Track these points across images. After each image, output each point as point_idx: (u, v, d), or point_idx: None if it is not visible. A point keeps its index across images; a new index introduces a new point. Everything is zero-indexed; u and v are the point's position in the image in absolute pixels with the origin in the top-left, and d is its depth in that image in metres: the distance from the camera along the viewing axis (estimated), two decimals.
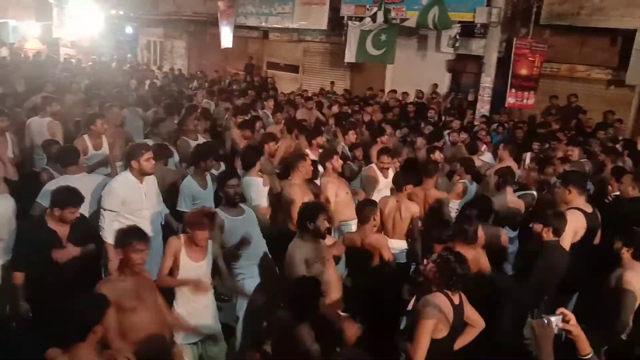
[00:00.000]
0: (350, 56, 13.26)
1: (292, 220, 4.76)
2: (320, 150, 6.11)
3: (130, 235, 3.18)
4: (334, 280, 3.90)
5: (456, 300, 3.12)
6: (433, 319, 2.96)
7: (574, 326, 2.27)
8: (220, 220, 4.16)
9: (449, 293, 3.08)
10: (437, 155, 6.39)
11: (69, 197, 3.84)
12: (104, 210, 4.40)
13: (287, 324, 3.16)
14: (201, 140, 6.57)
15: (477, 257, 3.96)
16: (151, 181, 4.73)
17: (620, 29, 11.13)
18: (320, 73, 16.25)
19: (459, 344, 3.27)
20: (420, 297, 3.20)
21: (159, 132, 6.60)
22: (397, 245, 4.91)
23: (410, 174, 5.13)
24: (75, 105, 8.73)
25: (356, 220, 5.34)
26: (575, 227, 4.10)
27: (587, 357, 2.34)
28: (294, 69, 17.20)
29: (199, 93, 11.06)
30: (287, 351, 3.13)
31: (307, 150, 6.61)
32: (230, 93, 12.21)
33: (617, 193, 5.10)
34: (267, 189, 5.23)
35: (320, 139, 6.68)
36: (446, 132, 8.57)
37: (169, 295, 3.69)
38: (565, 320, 2.25)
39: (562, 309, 2.32)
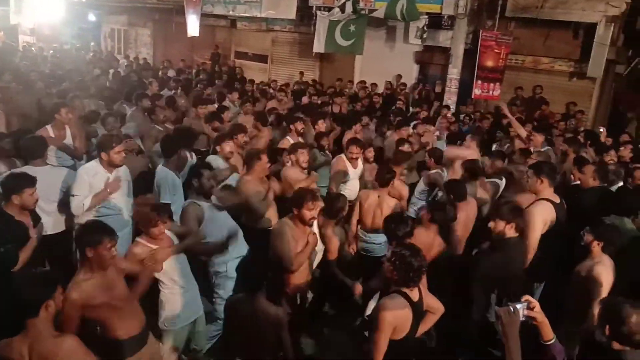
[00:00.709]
0: (319, 46, 13.21)
1: (247, 215, 4.79)
2: (292, 141, 6.11)
3: (100, 234, 3.07)
4: (306, 265, 4.08)
5: (415, 297, 3.08)
6: (390, 327, 2.93)
7: (538, 313, 2.34)
8: (199, 209, 4.14)
9: (408, 292, 3.03)
10: (406, 147, 6.45)
11: (20, 179, 3.74)
12: (74, 196, 4.33)
13: (247, 299, 3.21)
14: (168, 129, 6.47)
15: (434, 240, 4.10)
16: (121, 172, 4.64)
17: (582, 23, 11.44)
18: (289, 63, 16.14)
19: (419, 332, 3.31)
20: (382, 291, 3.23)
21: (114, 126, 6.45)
22: (377, 239, 4.94)
23: (391, 170, 5.12)
24: (33, 95, 8.42)
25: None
26: (545, 217, 4.17)
27: (550, 342, 2.41)
28: (262, 58, 17.03)
29: (154, 83, 10.81)
30: (255, 325, 3.17)
31: (288, 137, 6.62)
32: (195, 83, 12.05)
33: (577, 182, 5.24)
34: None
35: (299, 125, 6.68)
36: (413, 123, 8.66)
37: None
38: (530, 308, 2.31)
39: (527, 297, 2.38)
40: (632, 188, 5.31)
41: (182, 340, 3.84)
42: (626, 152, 6.81)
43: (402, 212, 4.85)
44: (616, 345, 2.51)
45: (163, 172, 4.92)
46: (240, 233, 4.31)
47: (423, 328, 3.38)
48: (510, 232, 3.79)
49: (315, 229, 4.61)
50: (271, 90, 11.99)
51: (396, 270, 2.98)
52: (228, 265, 4.16)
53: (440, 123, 8.67)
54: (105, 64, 15.29)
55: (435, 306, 3.38)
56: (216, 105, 8.63)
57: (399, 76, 13.55)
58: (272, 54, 16.72)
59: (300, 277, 4.08)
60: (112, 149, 4.40)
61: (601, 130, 8.22)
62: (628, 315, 2.46)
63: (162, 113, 6.60)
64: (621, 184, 5.51)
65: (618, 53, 11.67)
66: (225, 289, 4.16)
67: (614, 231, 3.46)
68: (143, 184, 5.19)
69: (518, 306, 2.26)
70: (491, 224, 3.86)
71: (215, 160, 5.44)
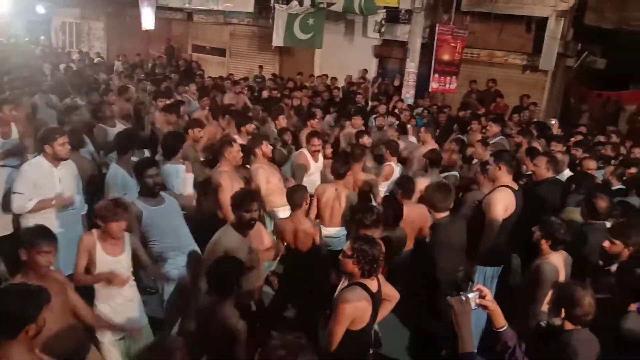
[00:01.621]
0: (278, 40, 13.12)
1: (220, 208, 4.68)
2: (249, 137, 6.02)
3: (36, 236, 2.92)
4: (256, 272, 3.95)
5: (374, 288, 3.07)
6: (348, 319, 2.94)
7: (489, 301, 2.38)
8: (137, 210, 3.98)
9: (367, 283, 3.03)
10: (366, 140, 6.49)
11: None
12: (15, 193, 4.14)
13: (211, 304, 3.14)
14: (120, 126, 6.26)
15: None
16: (68, 167, 4.46)
17: (534, 17, 11.77)
18: (248, 57, 15.97)
19: (378, 319, 3.35)
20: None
21: (71, 120, 6.21)
22: (335, 232, 4.94)
23: (347, 161, 5.13)
24: None
25: (288, 207, 5.35)
26: (505, 203, 4.30)
27: (502, 329, 2.47)
28: (220, 52, 16.79)
29: (114, 77, 10.51)
30: (212, 332, 3.09)
31: (236, 136, 6.52)
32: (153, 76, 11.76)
33: (530, 172, 5.40)
34: (191, 176, 5.09)
35: (250, 126, 6.58)
36: (373, 116, 8.73)
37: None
38: (481, 296, 2.36)
39: (478, 285, 2.43)
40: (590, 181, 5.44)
41: (124, 352, 3.67)
42: (574, 141, 7.07)
43: (369, 202, 4.92)
44: (568, 326, 2.61)
45: (113, 170, 4.77)
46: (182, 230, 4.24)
47: (380, 316, 3.43)
48: (440, 215, 3.99)
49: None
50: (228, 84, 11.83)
51: (359, 264, 2.99)
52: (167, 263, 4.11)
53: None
54: (55, 58, 14.72)
55: (391, 294, 3.43)
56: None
57: (365, 70, 13.61)
58: (231, 47, 16.50)
59: (251, 282, 3.98)
60: (55, 141, 4.21)
61: (553, 122, 8.49)
62: (581, 298, 2.56)
63: (108, 109, 6.35)
64: (568, 171, 5.72)
65: (568, 47, 12.09)
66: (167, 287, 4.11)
67: (561, 228, 3.53)
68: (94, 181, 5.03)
69: (470, 295, 2.30)
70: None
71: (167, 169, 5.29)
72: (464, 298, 2.28)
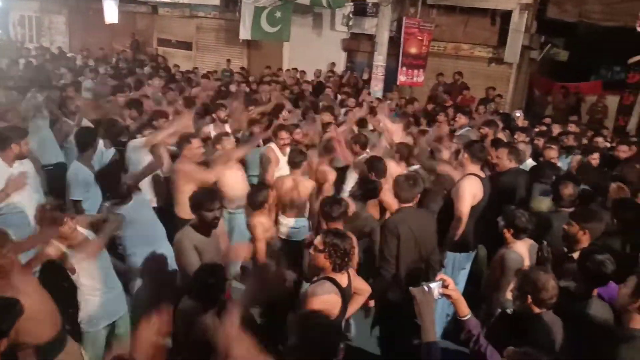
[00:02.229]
0: (245, 33, 12.99)
1: (176, 205, 4.62)
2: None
3: None
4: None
5: (344, 282, 3.06)
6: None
7: (452, 291, 2.40)
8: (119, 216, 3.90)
9: (337, 277, 3.01)
10: (333, 130, 6.47)
11: None
12: None
13: (193, 311, 3.04)
14: (85, 122, 6.11)
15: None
16: (26, 166, 4.32)
17: (498, 10, 11.95)
18: (216, 50, 15.76)
19: (348, 314, 3.34)
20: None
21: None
22: (294, 223, 4.91)
23: (302, 151, 5.12)
24: None
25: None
26: (472, 191, 4.41)
27: (466, 318, 2.50)
28: (187, 46, 16.52)
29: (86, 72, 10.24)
30: (191, 338, 3.02)
31: (211, 126, 6.44)
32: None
33: (495, 161, 5.50)
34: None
35: (221, 112, 6.51)
36: (342, 109, 8.72)
37: None
38: (444, 286, 2.38)
39: (441, 275, 2.45)
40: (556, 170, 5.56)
41: (102, 342, 3.64)
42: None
43: (336, 194, 4.89)
44: (535, 310, 2.66)
45: (74, 167, 4.64)
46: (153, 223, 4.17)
47: (351, 310, 3.42)
48: (403, 205, 3.98)
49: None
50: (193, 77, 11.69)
51: (330, 258, 2.97)
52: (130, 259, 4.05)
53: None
54: (14, 53, 14.21)
55: (362, 287, 3.42)
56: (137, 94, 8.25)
57: (333, 64, 13.59)
58: (197, 41, 16.25)
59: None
60: (22, 140, 4.15)
61: (518, 115, 8.64)
62: (546, 282, 2.61)
63: (72, 104, 6.19)
64: (530, 160, 5.84)
65: (532, 39, 12.31)
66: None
67: (522, 217, 3.60)
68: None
69: (432, 285, 2.31)
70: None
71: (136, 152, 5.21)
72: (426, 288, 2.29)
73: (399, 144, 5.90)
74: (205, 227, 3.66)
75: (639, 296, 2.46)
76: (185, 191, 4.19)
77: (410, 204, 3.98)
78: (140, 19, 17.45)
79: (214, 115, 6.55)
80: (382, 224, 4.03)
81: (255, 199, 4.25)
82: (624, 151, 6.18)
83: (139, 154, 5.13)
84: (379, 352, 4.29)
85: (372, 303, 3.94)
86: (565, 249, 3.76)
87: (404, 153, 5.62)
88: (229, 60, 14.48)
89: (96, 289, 3.53)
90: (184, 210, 4.24)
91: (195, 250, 3.56)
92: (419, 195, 4.09)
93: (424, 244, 3.98)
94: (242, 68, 14.02)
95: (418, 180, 4.08)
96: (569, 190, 4.18)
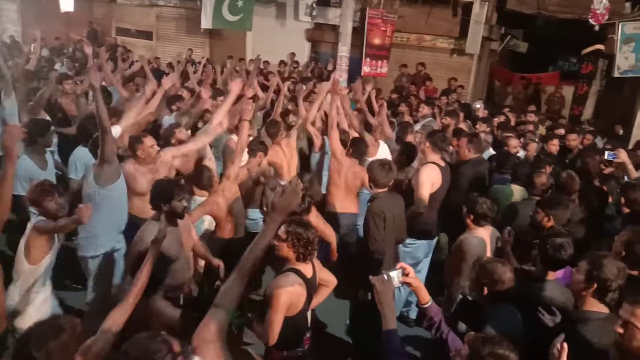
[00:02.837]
0: (206, 22, 12.71)
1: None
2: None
3: None
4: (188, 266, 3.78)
5: (309, 273, 3.06)
6: (285, 306, 2.90)
7: (413, 279, 2.42)
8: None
9: (302, 268, 3.02)
10: (291, 118, 6.43)
11: None
12: None
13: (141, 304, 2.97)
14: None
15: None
16: None
17: (460, 1, 12.10)
18: (177, 40, 15.42)
19: (314, 304, 3.35)
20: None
21: None
22: (251, 214, 4.87)
23: (261, 141, 5.07)
24: None
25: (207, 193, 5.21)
26: (431, 179, 4.48)
27: (426, 305, 2.52)
28: (147, 35, 16.09)
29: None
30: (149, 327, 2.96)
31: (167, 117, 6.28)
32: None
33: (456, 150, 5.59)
34: None
35: (180, 103, 6.38)
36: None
37: None
38: (404, 274, 2.39)
39: (401, 263, 2.46)
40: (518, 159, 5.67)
41: None
42: (498, 121, 7.38)
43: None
44: (492, 301, 2.70)
45: (21, 161, 4.43)
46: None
47: (316, 301, 3.42)
48: (378, 190, 4.10)
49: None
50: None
51: (294, 247, 2.96)
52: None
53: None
54: None
55: (328, 279, 3.42)
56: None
57: (293, 54, 13.49)
58: (158, 30, 15.86)
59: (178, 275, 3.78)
60: None
61: (478, 106, 8.78)
62: (502, 274, 2.65)
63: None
64: (491, 149, 5.95)
65: (492, 31, 12.54)
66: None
67: (484, 204, 3.66)
68: None
69: (391, 273, 2.32)
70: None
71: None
72: (385, 277, 2.30)
73: (354, 139, 5.92)
74: (173, 219, 3.52)
75: (593, 281, 2.52)
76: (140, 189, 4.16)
77: (385, 189, 4.09)
78: (98, 8, 16.89)
79: (172, 107, 6.38)
80: (368, 208, 4.10)
81: (202, 179, 4.24)
82: (573, 139, 6.37)
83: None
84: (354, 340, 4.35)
85: None
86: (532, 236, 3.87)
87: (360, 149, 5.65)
88: (190, 50, 14.18)
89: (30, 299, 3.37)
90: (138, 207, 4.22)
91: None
92: (393, 180, 4.20)
93: (398, 227, 4.14)
94: (204, 58, 13.75)
95: (392, 165, 4.20)
96: (541, 179, 4.33)
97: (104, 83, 8.24)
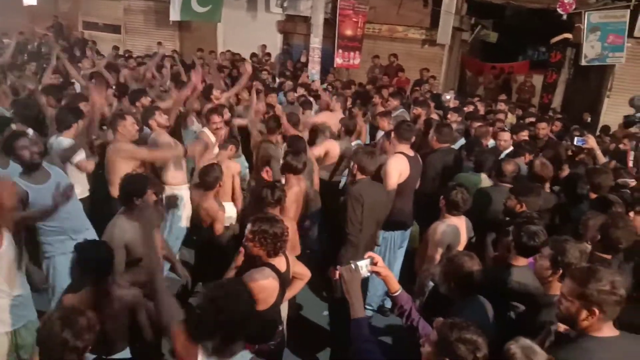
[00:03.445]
0: (174, 14, 12.47)
1: (112, 185, 4.42)
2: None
3: None
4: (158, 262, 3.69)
5: (282, 267, 3.06)
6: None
7: (381, 267, 2.42)
8: (22, 191, 3.59)
9: (275, 263, 3.01)
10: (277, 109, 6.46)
11: None
12: None
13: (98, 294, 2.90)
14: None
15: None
16: None
17: None
18: (146, 34, 15.14)
19: (287, 297, 3.35)
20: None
21: None
22: (229, 209, 4.81)
23: (235, 136, 5.04)
24: None
25: (187, 185, 5.14)
26: (399, 169, 4.49)
27: (396, 294, 2.52)
28: (115, 29, 15.75)
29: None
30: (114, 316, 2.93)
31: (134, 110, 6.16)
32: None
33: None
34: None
35: (145, 100, 6.25)
36: (281, 92, 8.66)
37: None
38: (373, 263, 2.38)
39: (370, 253, 2.45)
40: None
41: (3, 349, 3.33)
42: (468, 110, 7.45)
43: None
44: (461, 295, 2.71)
45: None
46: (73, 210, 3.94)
47: (290, 294, 3.44)
48: (359, 175, 4.10)
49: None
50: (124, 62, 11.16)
51: (262, 245, 2.94)
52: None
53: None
54: None
55: (302, 272, 3.43)
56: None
57: (264, 46, 13.38)
58: (126, 23, 15.54)
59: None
60: None
61: (447, 97, 8.85)
62: (469, 268, 2.66)
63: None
64: (463, 140, 6.00)
65: (462, 21, 12.64)
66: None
67: (458, 193, 3.68)
68: None
69: (359, 263, 2.31)
70: (351, 166, 4.19)
71: (59, 141, 4.90)
72: (353, 266, 2.30)
73: (343, 118, 5.98)
74: (145, 213, 3.38)
75: (558, 267, 2.56)
76: (123, 170, 4.03)
77: (368, 176, 4.10)
78: (63, 1, 16.45)
79: (137, 103, 6.22)
80: (347, 191, 4.14)
81: (208, 178, 4.17)
82: (543, 128, 6.47)
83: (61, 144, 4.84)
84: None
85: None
86: (507, 219, 3.92)
87: (348, 127, 5.77)
88: (160, 44, 13.92)
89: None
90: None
91: (126, 246, 3.39)
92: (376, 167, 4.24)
93: (379, 213, 4.16)
94: (174, 51, 13.52)
95: (376, 153, 4.23)
96: (510, 166, 4.41)
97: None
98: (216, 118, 5.63)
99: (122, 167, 4.32)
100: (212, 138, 5.68)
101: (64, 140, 4.63)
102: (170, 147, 4.95)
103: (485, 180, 4.79)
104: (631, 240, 3.12)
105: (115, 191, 4.28)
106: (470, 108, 7.69)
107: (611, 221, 3.08)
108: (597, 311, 2.03)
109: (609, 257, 3.09)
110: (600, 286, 2.02)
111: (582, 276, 2.08)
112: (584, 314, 2.05)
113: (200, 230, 4.47)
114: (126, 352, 3.09)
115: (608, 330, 2.09)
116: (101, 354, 2.91)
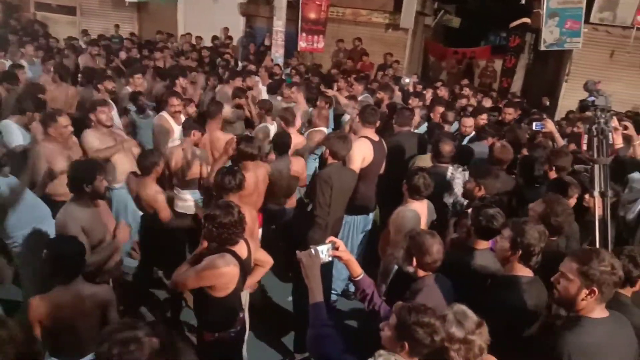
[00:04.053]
0: None
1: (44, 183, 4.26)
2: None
3: None
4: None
5: (243, 254, 3.03)
6: (207, 281, 2.89)
7: (343, 252, 2.40)
8: None
9: (236, 249, 2.97)
10: (242, 100, 6.32)
11: None
12: None
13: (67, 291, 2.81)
14: None
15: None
16: None
17: None
18: (103, 15, 14.56)
19: (248, 284, 3.32)
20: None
21: None
22: (190, 195, 4.70)
23: (199, 120, 4.91)
24: None
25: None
26: (362, 153, 4.47)
27: (358, 278, 2.51)
28: (69, 10, 15.07)
29: None
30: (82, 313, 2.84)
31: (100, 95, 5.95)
32: None
33: None
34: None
35: (108, 83, 6.05)
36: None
37: None
38: (335, 248, 2.36)
39: (331, 238, 2.43)
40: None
41: None
42: (428, 95, 7.51)
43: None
44: (420, 273, 2.72)
45: None
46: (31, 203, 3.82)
47: (252, 280, 3.42)
48: (330, 159, 4.13)
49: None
50: (82, 45, 10.77)
51: (217, 232, 2.90)
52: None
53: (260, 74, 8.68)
54: None
55: (263, 259, 3.42)
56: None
57: (226, 29, 13.11)
58: (81, 4, 14.88)
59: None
60: None
61: (407, 80, 8.87)
62: (430, 246, 2.67)
63: None
64: (426, 124, 6.04)
65: (425, 5, 12.67)
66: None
67: (421, 179, 3.68)
68: None
69: (319, 248, 2.29)
70: (324, 153, 4.23)
71: (7, 128, 4.68)
72: (313, 251, 2.27)
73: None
74: (95, 198, 3.43)
75: (518, 248, 2.60)
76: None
77: (339, 161, 4.11)
78: None
79: (99, 86, 6.03)
80: (317, 174, 4.18)
81: (145, 162, 4.06)
82: (509, 113, 6.56)
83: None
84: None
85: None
86: (465, 202, 3.96)
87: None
88: (117, 26, 13.47)
89: None
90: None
91: (83, 231, 3.28)
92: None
93: (347, 197, 4.21)
94: (132, 34, 13.11)
95: (348, 138, 4.23)
96: (448, 147, 4.45)
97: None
98: (175, 101, 5.49)
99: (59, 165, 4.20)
100: (172, 122, 5.55)
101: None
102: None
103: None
104: (571, 221, 3.24)
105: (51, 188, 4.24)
106: (429, 92, 7.73)
107: (550, 210, 3.15)
108: (596, 291, 2.10)
109: (554, 238, 3.17)
110: (602, 266, 2.09)
111: (585, 256, 2.15)
112: (584, 293, 2.12)
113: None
114: None
115: (600, 312, 2.17)
116: (73, 358, 2.82)
